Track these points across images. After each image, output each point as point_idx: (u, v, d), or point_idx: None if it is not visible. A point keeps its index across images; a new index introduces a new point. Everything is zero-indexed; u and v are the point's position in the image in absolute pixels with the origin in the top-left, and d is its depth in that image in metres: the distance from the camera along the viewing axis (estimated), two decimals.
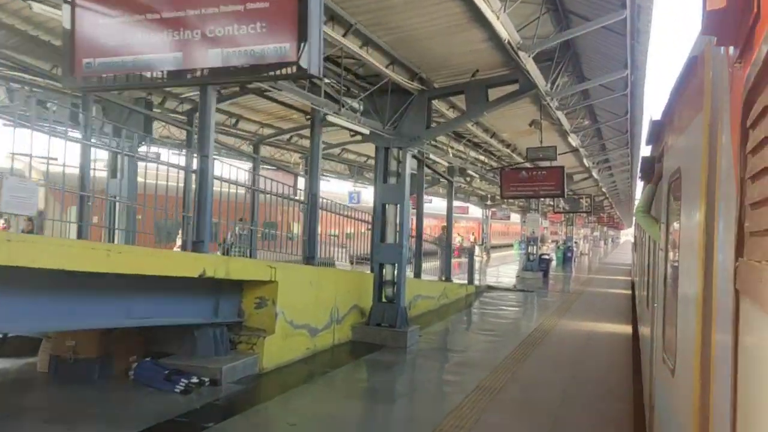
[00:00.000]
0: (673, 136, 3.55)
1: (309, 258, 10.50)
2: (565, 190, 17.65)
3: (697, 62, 2.63)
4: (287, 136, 17.98)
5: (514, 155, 19.12)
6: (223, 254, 15.82)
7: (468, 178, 23.55)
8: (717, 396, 1.85)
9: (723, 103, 1.92)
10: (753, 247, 1.41)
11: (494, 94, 10.70)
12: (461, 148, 17.93)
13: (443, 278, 18.02)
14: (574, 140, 15.74)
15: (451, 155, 16.91)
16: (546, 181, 17.68)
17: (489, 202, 39.68)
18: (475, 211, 46.86)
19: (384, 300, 11.34)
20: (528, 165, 19.05)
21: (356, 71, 10.26)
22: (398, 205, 11.43)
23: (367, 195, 37.79)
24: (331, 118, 9.27)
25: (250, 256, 11.91)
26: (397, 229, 11.41)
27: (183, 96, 13.44)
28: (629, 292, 22.07)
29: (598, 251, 68.93)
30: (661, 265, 4.04)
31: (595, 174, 23.26)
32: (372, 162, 23.69)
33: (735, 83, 1.68)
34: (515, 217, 58.29)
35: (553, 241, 60.28)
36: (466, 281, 20.37)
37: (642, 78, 10.95)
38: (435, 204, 49.57)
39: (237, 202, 10.61)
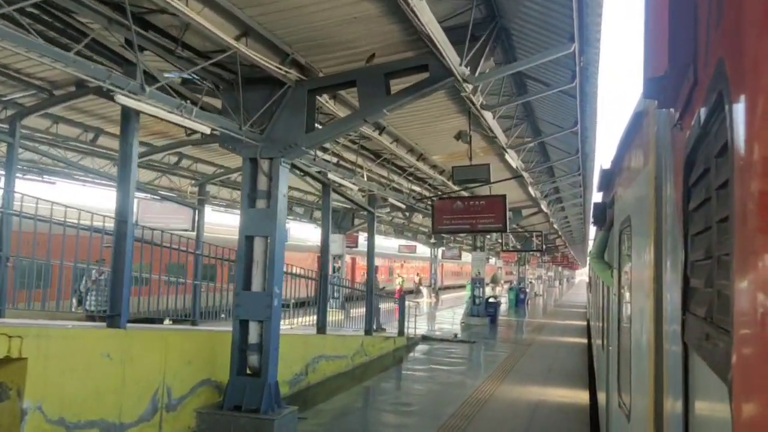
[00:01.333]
0: (622, 186, 3.68)
1: (112, 316, 7.12)
2: (507, 223, 14.79)
3: (642, 119, 2.75)
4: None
5: (449, 183, 16.30)
6: (79, 304, 12.51)
7: (397, 212, 20.61)
8: None
9: (667, 161, 2.07)
10: (697, 302, 1.46)
11: (399, 86, 7.80)
12: (383, 172, 15.00)
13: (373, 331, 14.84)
14: (513, 159, 12.97)
15: (365, 178, 13.91)
16: (485, 213, 14.83)
17: (434, 240, 36.91)
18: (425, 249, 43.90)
19: (248, 372, 8.06)
20: (464, 194, 16.28)
21: (186, 41, 7.16)
22: (268, 238, 8.27)
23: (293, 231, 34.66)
24: (123, 99, 6.04)
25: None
26: (266, 272, 8.22)
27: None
28: (585, 340, 19.33)
29: (553, 292, 66.74)
30: (614, 311, 4.16)
31: (544, 207, 20.63)
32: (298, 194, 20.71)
33: (677, 143, 1.77)
34: (469, 257, 55.87)
35: (506, 282, 57.92)
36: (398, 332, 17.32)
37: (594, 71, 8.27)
38: (378, 242, 46.57)
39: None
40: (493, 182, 14.48)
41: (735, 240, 1.00)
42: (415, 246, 42.64)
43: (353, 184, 13.03)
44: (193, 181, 16.26)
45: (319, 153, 12.69)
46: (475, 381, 12.07)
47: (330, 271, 26.96)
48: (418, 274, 44.80)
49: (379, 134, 11.51)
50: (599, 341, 7.06)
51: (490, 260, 63.59)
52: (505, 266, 62.69)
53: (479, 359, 15.36)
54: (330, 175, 12.04)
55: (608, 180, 4.72)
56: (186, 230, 17.46)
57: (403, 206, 17.05)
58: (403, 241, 42.10)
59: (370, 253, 15.09)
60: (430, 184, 17.21)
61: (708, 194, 1.30)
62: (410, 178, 16.12)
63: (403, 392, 11.18)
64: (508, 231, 14.79)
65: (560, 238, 39.10)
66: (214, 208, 21.00)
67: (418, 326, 22.00)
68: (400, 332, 17.10)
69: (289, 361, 10.08)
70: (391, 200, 14.93)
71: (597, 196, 6.19)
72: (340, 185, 12.89)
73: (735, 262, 1.00)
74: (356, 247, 31.11)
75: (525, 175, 14.49)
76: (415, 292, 43.12)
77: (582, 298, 49.67)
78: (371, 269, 15.08)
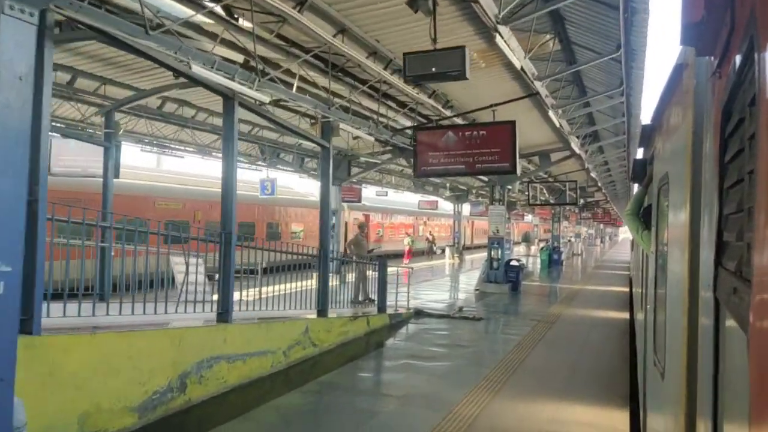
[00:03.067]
0: (661, 141, 3.66)
1: None
2: (517, 161, 10.54)
3: (682, 71, 2.71)
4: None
5: (443, 110, 11.98)
6: None
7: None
8: (702, 403, 1.93)
9: (706, 112, 2.06)
10: (729, 257, 1.48)
11: None
12: (343, 90, 10.82)
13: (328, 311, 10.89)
14: (528, 70, 8.65)
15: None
16: (485, 147, 10.63)
17: (451, 193, 32.64)
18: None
19: None
20: (459, 121, 12.02)
21: None
22: None
23: (285, 181, 30.66)
24: None
25: None
26: None
27: None
28: (626, 314, 15.14)
29: (594, 251, 61.84)
30: (651, 269, 4.17)
31: (576, 147, 16.17)
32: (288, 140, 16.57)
33: (716, 92, 1.75)
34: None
35: (543, 241, 53.12)
36: (397, 306, 13.42)
37: None
38: (401, 198, 42.42)
39: None
40: (499, 104, 10.17)
41: (757, 190, 1.02)
42: (436, 201, 38.37)
43: (276, 98, 8.87)
44: (98, 109, 12.40)
45: (228, 53, 8.59)
46: (456, 393, 8.02)
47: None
48: (430, 233, 40.55)
49: (300, 11, 7.28)
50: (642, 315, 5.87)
51: (525, 217, 58.94)
52: (543, 224, 58.05)
53: (478, 348, 11.27)
54: (234, 84, 7.90)
55: (649, 135, 4.54)
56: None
57: (371, 138, 12.81)
58: (426, 197, 37.87)
59: (324, 203, 10.99)
60: (419, 113, 12.92)
61: (741, 145, 1.32)
62: (388, 102, 11.90)
63: (334, 416, 7.20)
64: (517, 172, 10.51)
65: (600, 191, 34.31)
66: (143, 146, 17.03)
67: (422, 295, 18.12)
68: (380, 308, 13.12)
69: (135, 374, 6.24)
70: (343, 126, 10.69)
71: (639, 152, 5.75)
72: (262, 103, 8.78)
73: (756, 213, 1.02)
74: (358, 201, 27.05)
75: (542, 90, 10.09)
76: (428, 252, 39.03)
77: (624, 257, 44.90)
78: (325, 224, 11.02)
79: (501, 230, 20.32)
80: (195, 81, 7.54)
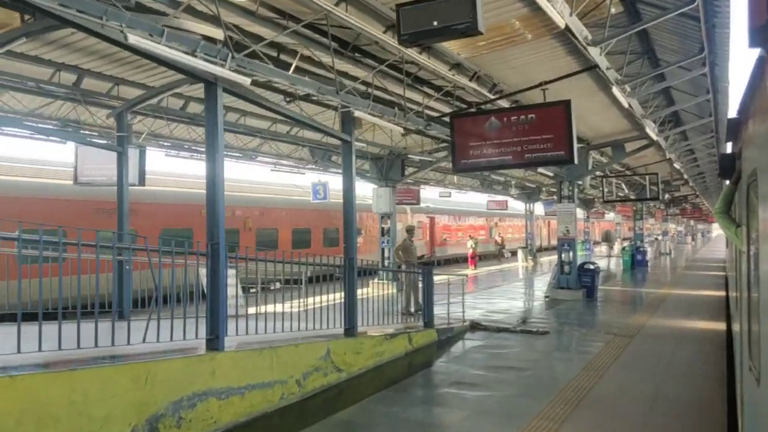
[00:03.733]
0: (749, 136, 3.50)
1: None
2: (575, 149, 8.78)
3: (764, 63, 2.59)
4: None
5: (485, 93, 10.31)
6: None
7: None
8: None
9: None
10: None
11: None
12: (358, 70, 9.38)
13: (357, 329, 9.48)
14: (577, 31, 6.95)
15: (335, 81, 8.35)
16: (535, 133, 8.95)
17: (518, 191, 30.55)
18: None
19: None
20: (503, 104, 10.37)
21: None
22: None
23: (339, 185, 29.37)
24: None
25: None
26: None
27: None
28: (722, 325, 13.00)
29: (684, 249, 57.60)
30: (743, 268, 4.04)
31: (652, 133, 14.06)
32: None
33: None
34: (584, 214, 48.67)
35: (625, 240, 49.67)
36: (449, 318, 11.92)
37: None
38: (467, 198, 40.46)
39: None
40: (550, 81, 8.48)
41: None
42: (506, 201, 36.28)
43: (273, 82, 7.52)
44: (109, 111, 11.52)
45: (204, 28, 7.32)
46: None
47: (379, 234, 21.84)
48: (499, 234, 38.37)
49: None
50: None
51: (607, 215, 55.53)
52: (627, 222, 54.56)
53: (537, 371, 9.51)
54: (216, 68, 6.60)
55: (735, 128, 4.48)
56: (132, 185, 12.97)
57: (398, 129, 11.21)
58: (494, 197, 35.87)
59: (348, 203, 9.55)
60: (461, 99, 11.27)
61: None
62: (422, 88, 10.35)
63: None
64: (574, 160, 8.74)
65: (687, 185, 31.29)
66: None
67: (484, 304, 16.46)
68: (427, 323, 11.57)
69: (81, 423, 5.05)
70: (359, 113, 9.13)
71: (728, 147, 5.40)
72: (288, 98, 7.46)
73: None
74: (416, 203, 25.53)
75: (600, 61, 8.30)
76: (498, 256, 36.93)
77: (719, 255, 41.20)
78: (350, 225, 9.58)
79: (572, 230, 18.29)
80: (168, 65, 6.32)
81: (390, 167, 20.47)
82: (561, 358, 10.55)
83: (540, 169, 18.37)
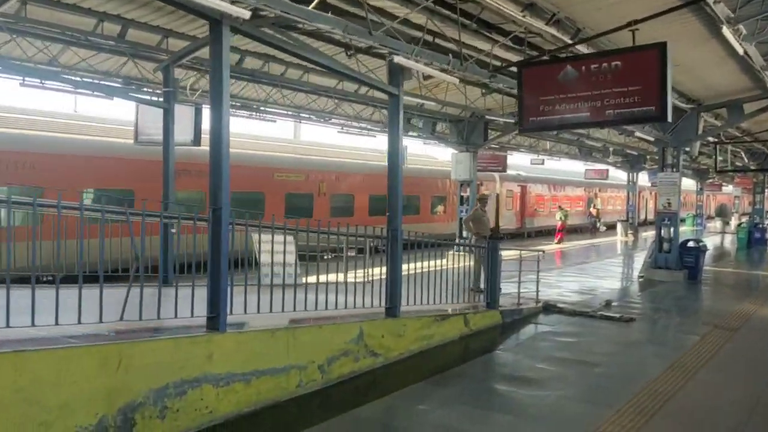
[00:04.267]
0: None
1: None
2: (668, 103, 7.16)
3: None
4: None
5: (560, 36, 8.70)
6: None
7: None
8: None
9: None
10: None
11: None
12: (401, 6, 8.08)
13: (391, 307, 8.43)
14: None
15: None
16: (620, 85, 7.40)
17: (615, 159, 28.05)
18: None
19: None
20: (581, 49, 8.81)
21: None
22: None
23: (412, 148, 27.92)
24: None
25: None
26: None
27: None
28: None
29: None
30: None
31: None
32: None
33: None
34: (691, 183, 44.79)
35: (744, 215, 45.08)
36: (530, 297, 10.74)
37: None
38: (563, 166, 38.00)
39: None
40: (641, 20, 6.98)
41: None
42: (607, 170, 33.70)
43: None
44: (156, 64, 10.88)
45: None
46: None
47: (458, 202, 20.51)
48: (594, 206, 35.68)
49: None
50: None
51: (725, 187, 50.81)
52: (747, 195, 49.74)
53: (611, 367, 8.06)
54: (227, 4, 5.60)
55: None
56: (187, 144, 12.45)
57: (455, 80, 9.74)
58: (592, 165, 33.43)
59: (393, 165, 8.39)
60: (535, 47, 9.67)
61: None
62: (488, 33, 8.90)
63: None
64: (668, 117, 7.11)
65: None
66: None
67: (568, 282, 14.98)
68: (490, 303, 10.31)
69: (31, 412, 4.36)
70: (412, 65, 7.83)
71: None
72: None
73: None
74: (502, 170, 23.88)
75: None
76: (591, 229, 34.41)
77: None
78: (395, 191, 8.41)
79: (674, 203, 16.20)
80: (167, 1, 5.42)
81: (472, 131, 19.01)
82: (643, 352, 9.01)
83: (639, 133, 16.31)
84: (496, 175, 28.34)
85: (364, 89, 14.56)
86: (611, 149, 26.17)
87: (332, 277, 8.07)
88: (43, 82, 10.71)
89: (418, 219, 24.27)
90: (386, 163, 18.83)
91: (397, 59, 7.53)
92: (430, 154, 28.56)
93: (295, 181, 19.24)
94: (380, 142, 25.60)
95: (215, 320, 5.81)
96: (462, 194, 19.91)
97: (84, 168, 13.96)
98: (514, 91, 11.37)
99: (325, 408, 6.46)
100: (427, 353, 8.47)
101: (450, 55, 8.87)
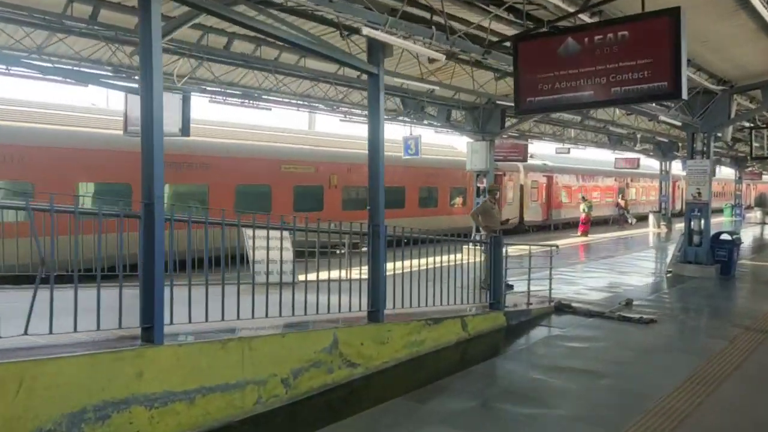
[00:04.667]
0: None
1: None
2: (682, 77, 6.19)
3: None
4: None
5: (565, 6, 7.70)
6: None
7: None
8: None
9: None
10: None
11: None
12: None
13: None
14: None
15: None
16: (626, 59, 6.45)
17: (642, 146, 26.69)
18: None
19: None
20: (584, 19, 7.83)
21: None
22: None
23: (430, 138, 26.89)
24: None
25: None
26: None
27: None
28: None
29: None
30: None
31: None
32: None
33: None
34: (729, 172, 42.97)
35: None
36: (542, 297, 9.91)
37: None
38: (590, 155, 36.61)
39: None
40: None
41: None
42: (638, 159, 32.28)
43: None
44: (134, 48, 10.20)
45: None
46: None
47: (474, 194, 19.57)
48: (622, 197, 34.18)
49: None
50: None
51: (765, 176, 48.61)
52: None
53: (621, 380, 7.12)
54: None
55: None
56: (174, 135, 11.86)
57: (440, 56, 8.77)
58: (621, 153, 32.05)
59: (374, 152, 7.50)
60: (528, 16, 8.63)
61: None
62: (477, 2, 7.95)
63: None
64: (682, 94, 6.15)
65: None
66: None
67: (587, 279, 14.01)
68: (494, 303, 9.43)
69: None
70: (386, 38, 6.93)
71: None
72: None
73: None
74: (523, 159, 22.79)
75: None
76: (621, 221, 32.98)
77: None
78: (377, 181, 7.52)
79: (705, 193, 15.03)
80: None
81: (488, 118, 18.05)
82: (661, 360, 8.03)
83: (665, 117, 15.14)
84: (520, 165, 27.26)
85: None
86: (639, 136, 24.83)
87: (313, 276, 7.34)
88: (9, 68, 10.16)
89: (436, 212, 23.42)
90: (399, 154, 17.72)
91: (366, 31, 6.68)
92: (450, 144, 27.57)
93: (303, 173, 18.53)
94: (398, 131, 24.79)
95: (150, 331, 5.09)
96: (479, 185, 18.96)
97: (76, 161, 13.42)
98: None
99: (287, 428, 5.73)
100: (417, 362, 7.66)
101: (434, 27, 7.97)
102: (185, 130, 11.51)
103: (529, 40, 7.33)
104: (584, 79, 6.70)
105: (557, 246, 11.56)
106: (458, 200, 24.61)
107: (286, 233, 11.79)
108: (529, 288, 10.59)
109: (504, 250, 9.50)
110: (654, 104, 13.17)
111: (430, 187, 23.56)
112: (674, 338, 9.31)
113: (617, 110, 18.46)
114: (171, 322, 5.31)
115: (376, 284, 7.29)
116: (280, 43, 11.45)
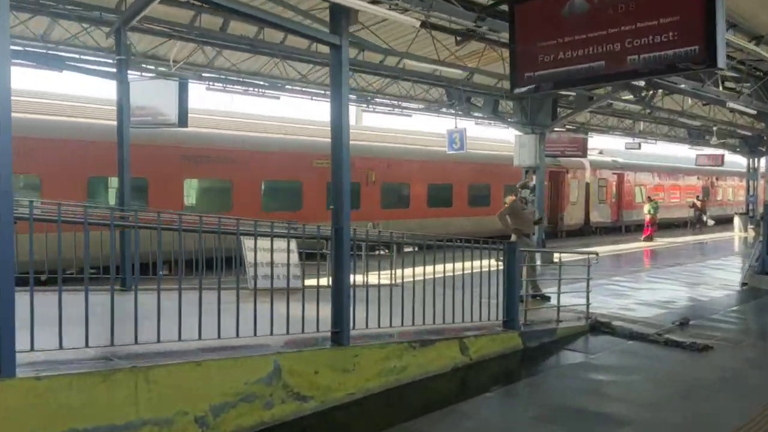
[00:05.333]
0: None
1: None
2: (720, 40, 4.59)
3: None
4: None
5: None
6: None
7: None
8: None
9: None
10: None
11: None
12: None
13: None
14: None
15: None
16: (645, 18, 4.87)
17: (718, 140, 24.01)
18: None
19: None
20: None
21: None
22: None
23: (480, 132, 25.05)
24: None
25: None
26: None
27: None
28: None
29: None
30: None
31: None
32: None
33: None
34: None
35: None
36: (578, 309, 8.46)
37: None
38: (666, 151, 33.74)
39: None
40: None
41: None
42: (722, 156, 29.38)
43: None
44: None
45: None
46: None
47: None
48: (697, 197, 31.07)
49: None
50: None
51: None
52: None
53: None
54: None
55: None
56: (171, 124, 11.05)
57: (416, 22, 7.25)
58: (699, 149, 29.27)
59: (337, 140, 6.18)
60: None
61: None
62: None
63: None
64: (717, 62, 4.58)
65: None
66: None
67: (642, 292, 12.28)
68: (509, 322, 7.95)
69: None
70: (366, 8, 5.64)
71: None
72: None
73: None
74: (582, 154, 20.80)
75: None
76: (696, 223, 30.04)
77: None
78: (341, 175, 6.20)
79: None
80: None
81: (538, 109, 16.36)
82: (710, 401, 6.36)
83: (733, 104, 13.03)
84: (586, 161, 25.19)
85: (390, 60, 12.46)
86: (716, 129, 22.21)
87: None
88: None
89: (488, 211, 21.78)
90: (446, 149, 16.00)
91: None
92: (506, 138, 25.81)
93: None
94: (442, 124, 23.30)
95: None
96: (527, 182, 17.25)
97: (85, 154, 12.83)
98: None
99: None
100: (394, 394, 6.34)
101: None
102: (182, 120, 10.60)
103: (527, 2, 5.88)
104: (594, 46, 5.20)
105: (596, 254, 9.90)
106: (512, 198, 22.90)
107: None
108: (558, 302, 9.05)
109: (535, 256, 8.04)
110: (720, 88, 11.17)
111: (480, 184, 21.98)
112: (731, 372, 7.53)
113: (688, 99, 16.32)
114: (32, 348, 4.28)
115: (339, 299, 6.04)
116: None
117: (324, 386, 5.80)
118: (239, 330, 5.47)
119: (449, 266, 7.56)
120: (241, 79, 12.84)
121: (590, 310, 9.33)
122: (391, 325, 6.66)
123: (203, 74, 12.11)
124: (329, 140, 6.18)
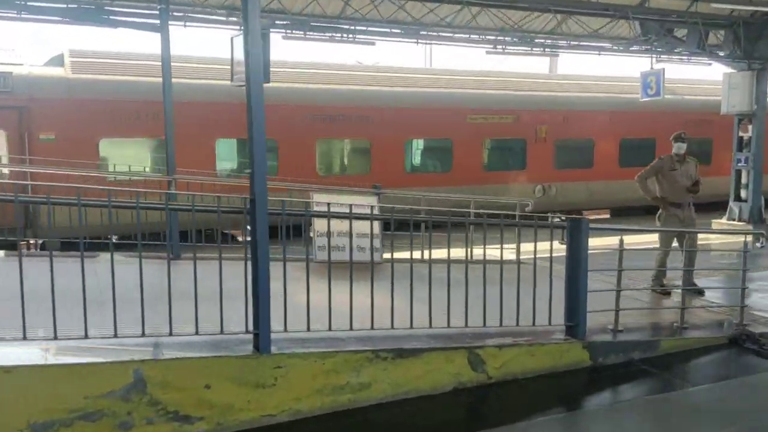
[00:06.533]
0: None
1: None
2: None
3: None
4: None
5: None
6: None
7: None
8: None
9: None
10: None
11: None
12: None
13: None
14: None
15: None
16: None
17: None
18: None
19: None
20: None
21: None
22: None
23: (675, 73, 19.32)
24: None
25: None
26: None
27: None
28: None
29: None
30: None
31: None
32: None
33: None
34: None
35: None
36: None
37: None
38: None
39: None
40: None
41: None
42: None
43: None
44: None
45: None
46: None
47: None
48: None
49: None
50: None
51: None
52: None
53: None
54: None
55: None
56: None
57: None
58: None
59: (252, 82, 4.45)
60: None
61: None
62: None
63: None
64: None
65: None
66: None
67: None
68: (573, 327, 5.59)
69: None
70: None
71: None
72: None
73: None
74: None
75: None
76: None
77: None
78: (257, 127, 4.47)
79: None
80: None
81: (757, 37, 12.30)
82: None
83: None
84: None
85: None
86: None
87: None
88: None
89: (707, 171, 17.64)
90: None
91: None
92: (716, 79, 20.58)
93: (499, 123, 15.27)
94: (629, 67, 18.93)
95: None
96: (741, 134, 13.24)
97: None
98: None
99: None
100: (342, 419, 4.70)
101: None
102: (265, 75, 9.72)
103: None
104: None
105: (764, 236, 6.72)
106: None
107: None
108: (684, 300, 6.33)
109: (586, 241, 5.59)
110: None
111: (703, 139, 17.80)
112: None
113: None
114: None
115: (257, 292, 4.55)
116: None
117: (222, 405, 4.41)
118: (93, 331, 4.34)
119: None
120: (333, 25, 11.38)
121: (744, 314, 6.40)
122: (351, 328, 4.96)
123: (277, 21, 10.97)
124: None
